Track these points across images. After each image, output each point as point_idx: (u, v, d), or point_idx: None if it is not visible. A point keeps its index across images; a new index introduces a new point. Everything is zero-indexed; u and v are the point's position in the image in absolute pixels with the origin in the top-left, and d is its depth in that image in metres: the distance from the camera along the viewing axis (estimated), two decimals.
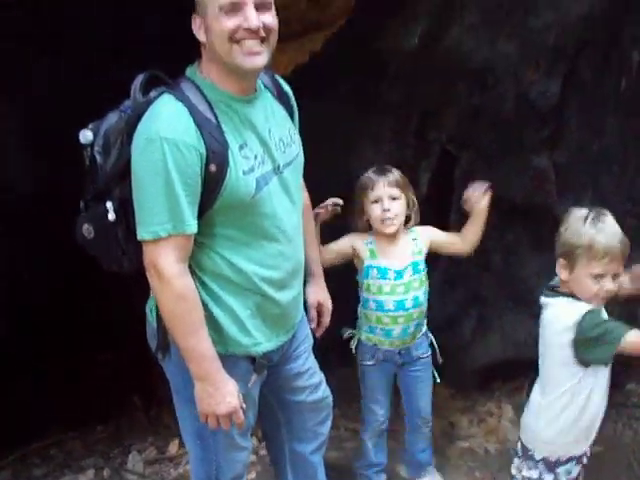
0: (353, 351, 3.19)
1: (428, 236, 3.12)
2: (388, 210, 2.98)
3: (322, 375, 2.68)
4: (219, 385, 2.17)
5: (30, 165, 3.80)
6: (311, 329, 2.67)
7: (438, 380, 3.27)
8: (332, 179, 3.50)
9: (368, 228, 3.09)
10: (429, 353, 3.22)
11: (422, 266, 3.09)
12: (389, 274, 3.04)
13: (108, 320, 4.13)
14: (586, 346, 2.39)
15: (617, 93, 3.76)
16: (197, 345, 2.14)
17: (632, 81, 3.74)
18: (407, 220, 3.09)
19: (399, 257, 3.06)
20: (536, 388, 2.65)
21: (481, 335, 4.12)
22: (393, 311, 3.05)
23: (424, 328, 3.20)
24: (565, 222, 2.48)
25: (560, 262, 2.47)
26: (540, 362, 2.61)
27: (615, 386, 4.09)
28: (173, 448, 3.78)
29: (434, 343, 3.24)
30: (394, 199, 3.00)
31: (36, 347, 4.07)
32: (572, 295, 2.46)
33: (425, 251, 3.11)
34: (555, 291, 2.54)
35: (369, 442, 3.29)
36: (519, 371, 3.88)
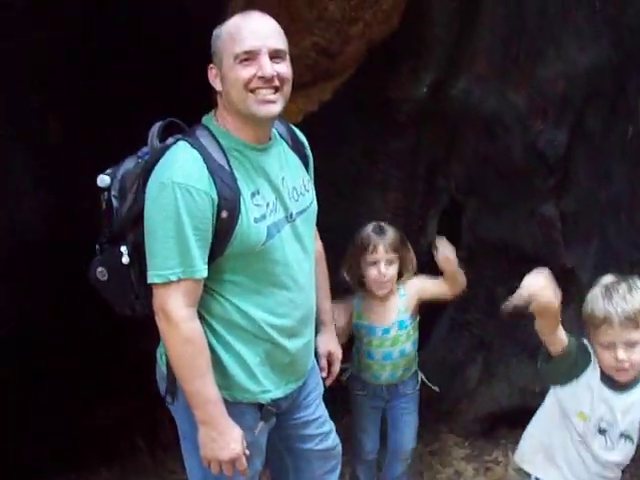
0: (344, 382, 3.26)
1: (416, 291, 3.15)
2: (384, 275, 3.04)
3: (332, 424, 2.67)
4: (223, 430, 2.17)
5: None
6: (322, 378, 2.67)
7: (437, 390, 3.36)
8: (340, 228, 3.52)
9: (357, 284, 3.16)
10: (416, 389, 3.31)
11: (409, 322, 3.16)
12: (376, 331, 3.13)
13: (113, 365, 4.14)
14: None
15: (624, 142, 3.79)
16: (202, 389, 2.15)
17: (638, 130, 3.77)
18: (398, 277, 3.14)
19: (385, 316, 3.14)
20: None
21: (487, 382, 4.09)
22: (381, 360, 3.16)
23: (413, 369, 3.28)
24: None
25: (587, 333, 2.42)
26: None
27: None
28: None
29: (424, 380, 3.32)
30: (391, 263, 3.07)
31: (39, 391, 4.06)
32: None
33: (412, 307, 3.16)
34: None
35: (360, 471, 3.43)
36: (525, 418, 3.84)
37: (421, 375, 3.31)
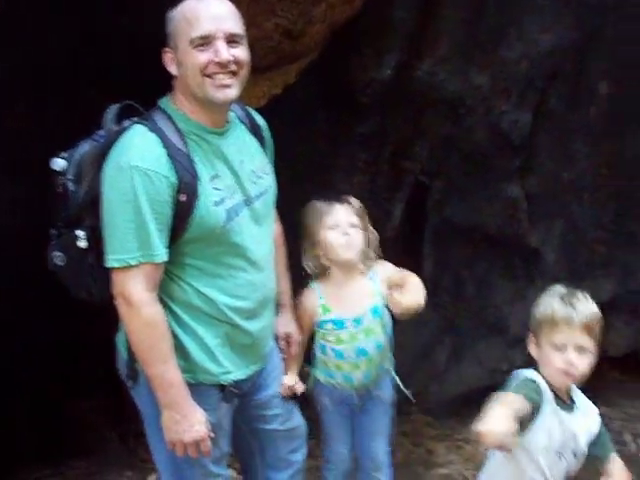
0: (309, 389, 2.90)
1: (385, 278, 2.79)
2: (348, 235, 2.71)
3: (295, 405, 2.69)
4: (186, 413, 2.19)
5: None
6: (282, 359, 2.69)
7: (414, 400, 3.09)
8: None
9: (319, 270, 2.82)
10: (390, 393, 2.97)
11: (382, 308, 2.79)
12: (346, 323, 2.78)
13: (83, 358, 4.15)
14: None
15: (586, 123, 3.88)
16: (165, 373, 2.16)
17: (600, 111, 3.86)
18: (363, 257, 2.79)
19: (355, 303, 2.78)
20: None
21: (456, 363, 4.16)
22: (354, 358, 2.80)
23: (387, 367, 2.94)
24: (539, 300, 2.47)
25: (530, 339, 2.44)
26: None
27: None
28: None
29: (399, 384, 2.99)
30: (353, 226, 2.73)
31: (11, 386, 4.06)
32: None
33: (383, 293, 2.78)
34: None
35: None
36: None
37: (396, 379, 2.96)
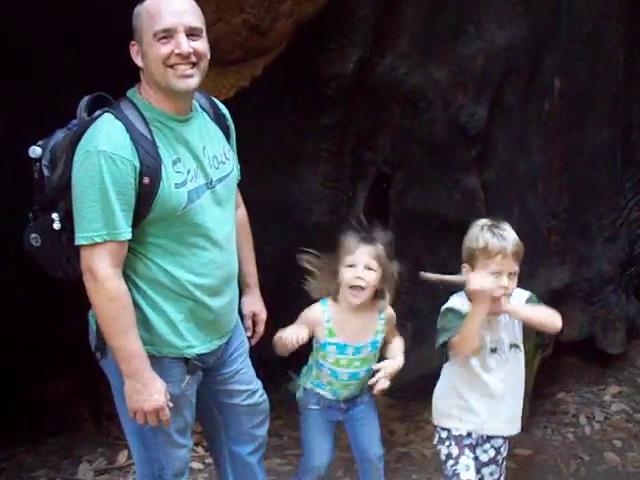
0: (297, 396, 3.11)
1: (391, 320, 3.06)
2: (361, 279, 2.87)
3: (259, 382, 2.80)
4: (147, 382, 2.31)
5: None
6: (247, 337, 2.80)
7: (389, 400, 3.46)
8: (271, 198, 3.68)
9: (333, 293, 2.97)
10: (371, 395, 3.12)
11: (380, 343, 3.02)
12: (347, 350, 2.96)
13: (57, 342, 4.25)
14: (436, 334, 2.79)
15: (541, 116, 4.04)
16: (127, 344, 2.28)
17: (554, 105, 4.03)
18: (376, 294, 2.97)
19: (360, 334, 2.97)
20: None
21: (417, 347, 4.27)
22: (346, 380, 3.00)
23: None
24: (467, 232, 2.80)
25: (463, 268, 2.76)
26: None
27: (545, 396, 4.36)
28: (122, 458, 3.89)
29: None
30: (369, 269, 2.88)
31: None
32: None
33: (385, 333, 3.02)
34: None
35: None
36: None
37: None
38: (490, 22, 3.84)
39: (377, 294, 2.96)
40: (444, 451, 2.90)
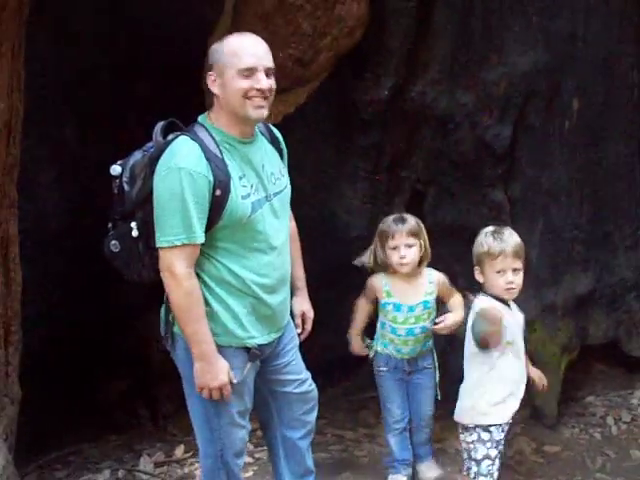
0: (370, 360, 3.69)
1: (442, 284, 3.58)
2: (404, 257, 3.44)
3: (308, 372, 3.10)
4: (213, 363, 2.65)
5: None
6: (297, 334, 3.12)
7: (439, 397, 3.69)
8: (314, 214, 4.02)
9: (384, 268, 3.54)
10: (433, 365, 3.67)
11: (432, 303, 3.56)
12: (402, 308, 3.53)
13: (118, 347, 4.55)
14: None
15: (561, 134, 4.29)
16: (198, 331, 2.63)
17: (573, 123, 4.28)
18: (421, 261, 3.52)
19: (412, 295, 3.53)
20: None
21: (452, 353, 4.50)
22: (404, 336, 3.55)
23: (429, 345, 3.65)
24: (476, 240, 3.18)
25: (475, 270, 3.17)
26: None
27: (574, 399, 4.55)
28: (179, 452, 4.14)
29: (435, 362, 3.68)
30: (410, 247, 3.45)
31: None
32: (488, 294, 3.13)
33: (436, 293, 3.57)
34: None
35: (391, 440, 3.69)
36: None
37: (434, 356, 3.66)
38: (511, 49, 4.13)
39: (421, 260, 3.52)
40: (482, 451, 3.17)
